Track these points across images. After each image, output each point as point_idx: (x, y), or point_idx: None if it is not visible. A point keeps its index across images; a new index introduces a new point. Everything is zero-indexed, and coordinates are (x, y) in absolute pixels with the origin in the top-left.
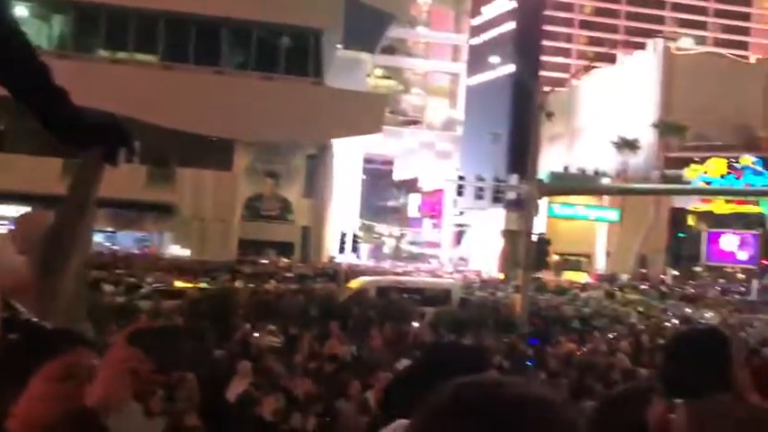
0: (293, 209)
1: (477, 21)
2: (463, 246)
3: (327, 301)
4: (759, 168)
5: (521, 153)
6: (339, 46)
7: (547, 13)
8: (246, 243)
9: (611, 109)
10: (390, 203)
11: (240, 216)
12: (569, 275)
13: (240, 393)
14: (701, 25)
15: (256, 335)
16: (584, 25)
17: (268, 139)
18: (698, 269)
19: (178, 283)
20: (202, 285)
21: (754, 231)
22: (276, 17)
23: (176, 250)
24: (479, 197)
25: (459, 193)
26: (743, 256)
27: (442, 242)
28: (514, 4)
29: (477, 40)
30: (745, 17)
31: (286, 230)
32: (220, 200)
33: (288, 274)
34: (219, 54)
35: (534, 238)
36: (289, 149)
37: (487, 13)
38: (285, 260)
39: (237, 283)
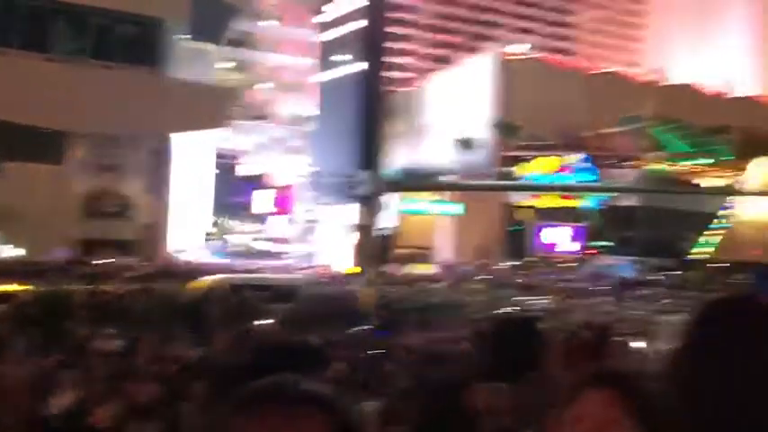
0: (134, 205)
1: (326, 17)
2: (314, 241)
3: (172, 302)
4: (585, 165)
5: (370, 150)
6: (184, 36)
7: (394, 14)
8: (84, 242)
9: (453, 109)
10: (241, 199)
11: (76, 213)
12: (417, 267)
13: (70, 403)
14: (533, 32)
15: (94, 339)
16: (429, 28)
17: (105, 131)
18: (532, 259)
19: (2, 287)
20: (32, 288)
21: (580, 224)
22: (115, 4)
23: (6, 251)
24: (330, 193)
25: (311, 189)
26: (571, 246)
27: (293, 238)
28: (365, 2)
29: (327, 37)
30: (571, 26)
31: (127, 228)
32: (53, 196)
33: (129, 274)
34: (50, 40)
35: (382, 232)
36: (128, 142)
37: (336, 9)
38: (126, 259)
39: (74, 285)
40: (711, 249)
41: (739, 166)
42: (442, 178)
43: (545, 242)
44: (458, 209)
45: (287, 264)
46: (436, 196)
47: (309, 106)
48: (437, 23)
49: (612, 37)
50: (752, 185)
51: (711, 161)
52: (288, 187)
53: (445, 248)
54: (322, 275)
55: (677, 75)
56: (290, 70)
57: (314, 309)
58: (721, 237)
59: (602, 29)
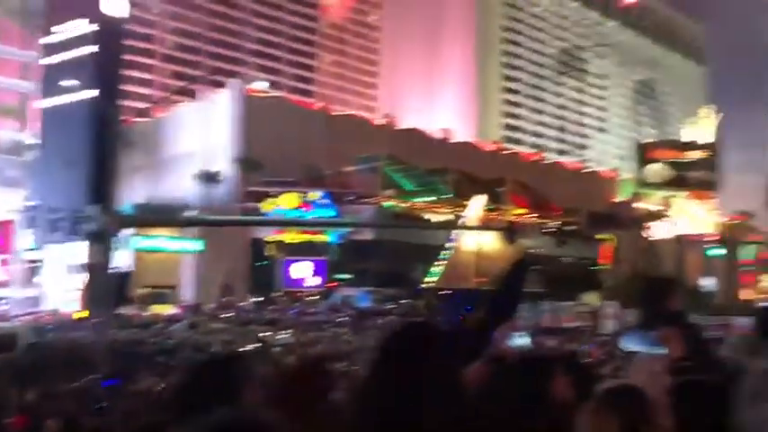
0: None
1: (51, 39)
2: (36, 283)
3: None
4: (325, 202)
5: (101, 183)
6: None
7: (129, 42)
8: None
9: (196, 142)
10: None
11: None
12: (156, 308)
13: None
14: (276, 71)
15: None
16: (168, 59)
17: None
18: (277, 294)
19: None
20: None
21: (322, 258)
22: None
23: None
24: (55, 229)
25: (31, 225)
26: (313, 280)
27: (10, 281)
28: (94, 27)
29: (51, 60)
30: (312, 69)
31: None
32: None
33: None
34: None
35: (116, 271)
36: None
37: (63, 32)
38: None
39: None
40: (437, 278)
41: (457, 204)
42: (185, 213)
43: (293, 277)
44: (197, 245)
45: (2, 310)
46: (177, 232)
47: (30, 134)
48: (179, 55)
49: (351, 82)
50: (471, 220)
51: (434, 199)
52: (4, 223)
53: (189, 287)
54: (46, 322)
55: (408, 120)
56: (7, 93)
57: (34, 359)
58: (446, 266)
59: (341, 74)
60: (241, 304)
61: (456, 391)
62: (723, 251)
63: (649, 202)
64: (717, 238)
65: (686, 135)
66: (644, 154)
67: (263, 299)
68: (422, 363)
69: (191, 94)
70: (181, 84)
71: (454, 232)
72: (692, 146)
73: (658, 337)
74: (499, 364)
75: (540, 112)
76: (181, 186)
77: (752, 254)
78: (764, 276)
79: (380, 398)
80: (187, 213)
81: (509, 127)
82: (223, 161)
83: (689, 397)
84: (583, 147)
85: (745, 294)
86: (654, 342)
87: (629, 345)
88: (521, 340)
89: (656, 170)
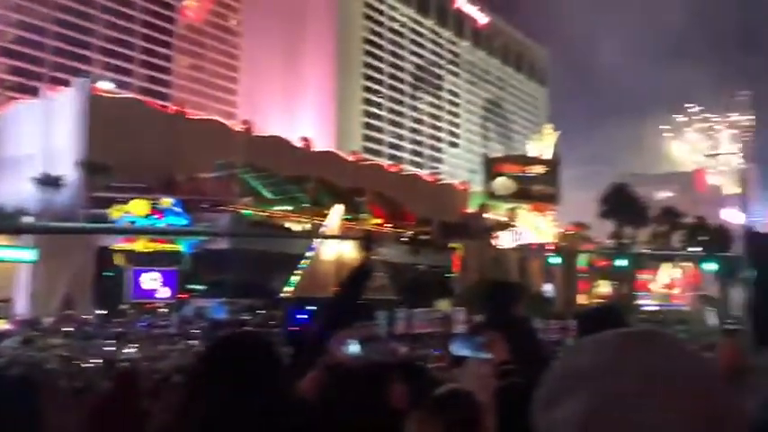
0: None
1: None
2: None
3: None
4: (178, 209)
5: None
6: None
7: None
8: None
9: (36, 144)
10: None
11: None
12: None
13: None
14: (127, 72)
15: None
16: (6, 53)
17: None
18: (124, 307)
19: None
20: None
21: (173, 268)
22: None
23: None
24: None
25: None
26: (164, 291)
27: None
28: None
29: None
30: (167, 71)
31: None
32: None
33: None
34: None
35: None
36: None
37: None
38: None
39: None
40: (296, 288)
41: (316, 213)
42: (19, 220)
43: (143, 287)
44: (30, 255)
45: None
46: (8, 241)
47: None
48: (18, 49)
49: (209, 86)
50: (331, 229)
51: (292, 207)
52: None
53: (25, 299)
54: None
55: (267, 127)
56: None
57: None
58: (305, 275)
59: (199, 78)
60: (84, 317)
61: (282, 401)
62: (561, 260)
63: (497, 214)
64: (555, 247)
65: (531, 151)
66: (491, 168)
67: (108, 311)
68: (242, 373)
69: (31, 92)
70: (20, 80)
71: (315, 241)
72: (534, 161)
73: (482, 342)
74: (334, 372)
75: (397, 124)
76: (18, 190)
77: (586, 262)
78: (600, 282)
79: (203, 410)
80: (24, 220)
81: (368, 138)
82: (66, 164)
83: (509, 399)
84: (437, 159)
85: (581, 299)
86: (479, 347)
87: (457, 350)
88: (353, 348)
89: (502, 183)
